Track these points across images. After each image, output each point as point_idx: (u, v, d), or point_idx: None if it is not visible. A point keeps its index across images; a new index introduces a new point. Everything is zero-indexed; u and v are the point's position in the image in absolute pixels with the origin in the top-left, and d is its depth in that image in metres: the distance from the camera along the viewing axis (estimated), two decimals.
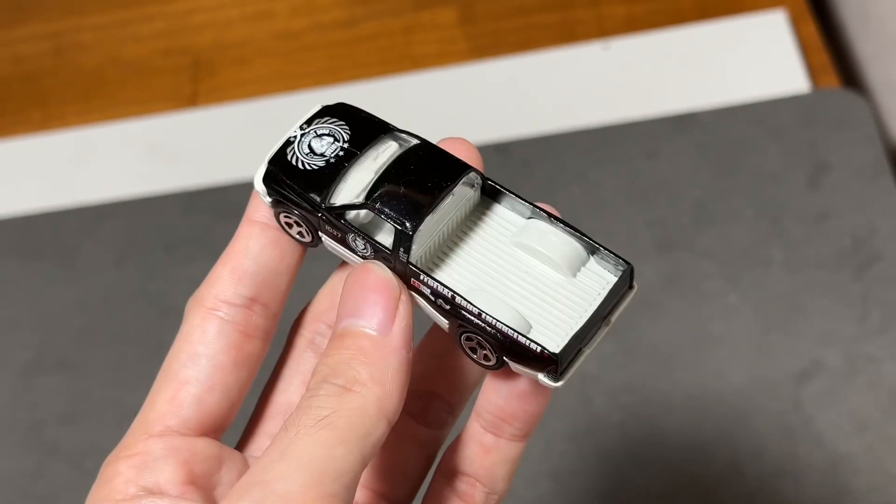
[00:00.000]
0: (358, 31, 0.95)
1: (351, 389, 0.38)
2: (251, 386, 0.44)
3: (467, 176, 0.42)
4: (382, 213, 0.40)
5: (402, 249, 0.40)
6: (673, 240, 0.79)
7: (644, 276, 0.77)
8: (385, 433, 0.38)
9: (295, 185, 0.42)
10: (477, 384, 0.46)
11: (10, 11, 1.00)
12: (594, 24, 0.92)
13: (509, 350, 0.40)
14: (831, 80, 0.86)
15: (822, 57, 0.87)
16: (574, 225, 0.43)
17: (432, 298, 0.41)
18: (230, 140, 0.89)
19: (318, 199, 0.41)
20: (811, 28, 0.89)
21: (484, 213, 0.43)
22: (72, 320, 0.81)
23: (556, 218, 0.42)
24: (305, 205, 0.41)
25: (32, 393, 0.79)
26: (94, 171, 0.89)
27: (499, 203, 0.44)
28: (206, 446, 0.42)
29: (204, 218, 0.84)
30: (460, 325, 0.40)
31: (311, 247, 0.43)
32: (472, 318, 0.40)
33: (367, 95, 0.90)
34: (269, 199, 0.42)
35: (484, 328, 0.40)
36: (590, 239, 0.42)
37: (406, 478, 0.45)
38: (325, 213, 0.41)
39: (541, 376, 0.40)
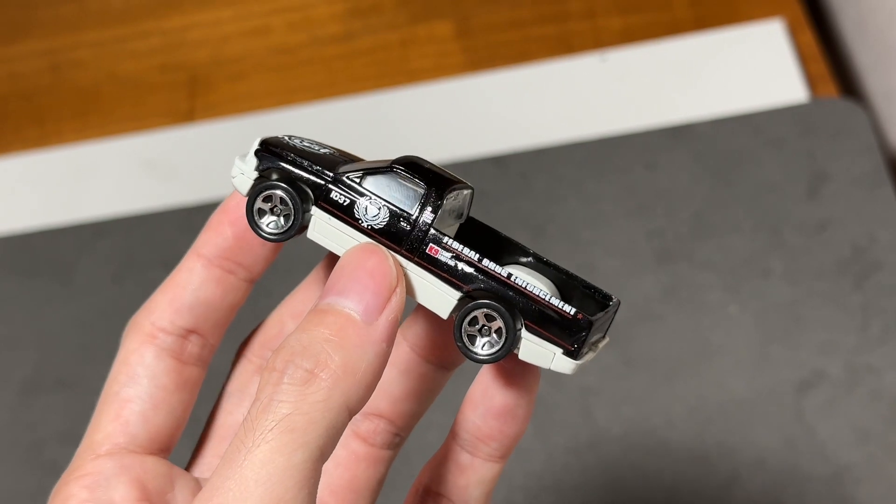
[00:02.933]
0: (354, 46, 0.95)
1: (317, 375, 0.35)
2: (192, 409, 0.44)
3: (469, 192, 0.41)
4: (410, 175, 0.39)
5: (429, 209, 0.39)
6: (672, 251, 0.79)
7: (644, 287, 0.77)
8: (346, 424, 0.36)
9: (298, 156, 0.40)
10: (423, 414, 0.45)
11: (6, 29, 1.00)
12: (590, 35, 0.92)
13: (534, 316, 0.38)
14: (829, 89, 0.86)
15: (820, 66, 0.87)
16: (558, 264, 0.42)
17: (451, 264, 0.39)
18: (228, 156, 0.88)
19: (329, 169, 0.40)
20: (809, 37, 0.89)
21: None
22: (70, 338, 0.81)
23: (538, 257, 0.42)
24: (311, 171, 0.40)
25: (31, 412, 0.78)
26: (91, 188, 0.89)
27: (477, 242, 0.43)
28: (156, 464, 0.42)
29: None
30: (476, 295, 0.39)
31: (282, 240, 0.41)
32: (499, 281, 0.38)
33: (364, 109, 0.90)
34: (254, 176, 0.40)
35: (508, 293, 0.38)
36: (576, 276, 0.42)
37: (358, 495, 0.45)
38: (338, 179, 0.40)
39: (558, 355, 0.38)
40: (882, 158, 0.80)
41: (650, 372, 0.74)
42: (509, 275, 0.39)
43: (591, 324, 0.38)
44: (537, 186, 0.83)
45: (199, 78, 0.95)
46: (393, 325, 0.38)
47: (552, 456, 0.72)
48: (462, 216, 0.42)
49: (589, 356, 0.40)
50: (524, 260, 0.42)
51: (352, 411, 0.36)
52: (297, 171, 0.40)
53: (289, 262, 0.59)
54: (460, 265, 0.39)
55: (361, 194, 0.39)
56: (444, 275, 0.39)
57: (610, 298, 0.41)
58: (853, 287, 0.76)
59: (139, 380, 0.42)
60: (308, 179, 0.40)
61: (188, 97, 0.94)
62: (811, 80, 0.86)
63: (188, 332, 0.43)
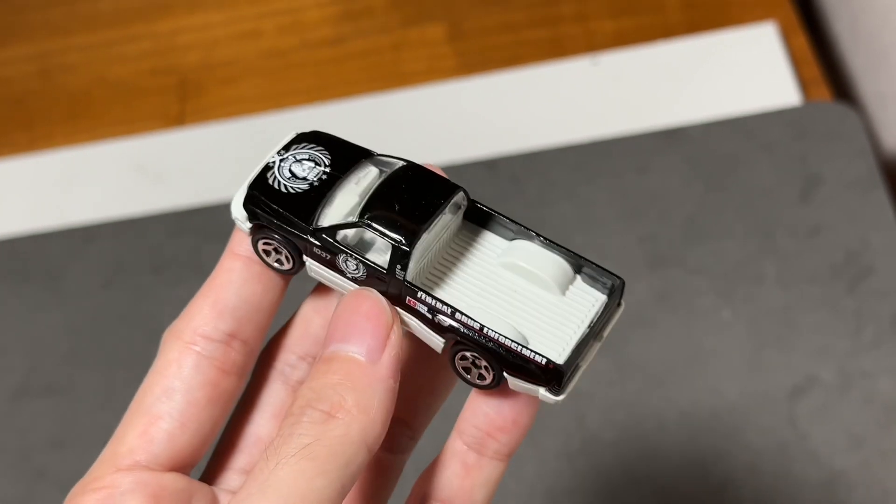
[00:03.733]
0: (346, 49, 0.95)
1: (334, 416, 0.37)
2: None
3: (458, 196, 0.41)
4: (377, 230, 0.40)
5: (398, 267, 0.40)
6: (665, 256, 0.78)
7: (636, 292, 0.77)
8: (366, 462, 0.38)
9: (279, 208, 0.41)
10: (438, 409, 0.46)
11: None
12: (583, 39, 0.92)
13: (511, 365, 0.39)
14: (822, 92, 0.86)
15: (813, 70, 0.87)
16: (559, 242, 0.42)
17: (429, 317, 0.40)
18: (218, 160, 0.89)
19: (306, 222, 0.41)
20: (802, 41, 0.89)
21: (468, 236, 0.43)
22: (60, 344, 0.81)
23: (541, 236, 0.42)
24: (291, 228, 0.41)
25: (21, 418, 0.78)
26: (80, 193, 0.89)
27: (482, 224, 0.43)
28: (174, 481, 0.41)
29: (192, 239, 0.84)
30: (458, 343, 0.40)
31: (291, 274, 0.43)
32: (474, 333, 0.39)
33: (356, 112, 0.90)
34: (249, 225, 0.42)
35: (485, 343, 0.39)
36: (577, 255, 0.42)
37: (368, 502, 0.45)
38: (315, 235, 0.41)
39: (542, 391, 0.39)
40: (875, 162, 0.80)
41: (643, 377, 0.74)
42: (482, 327, 0.39)
43: (561, 373, 0.39)
44: (529, 190, 0.82)
45: (190, 81, 0.95)
46: (396, 361, 0.39)
47: (544, 461, 0.72)
48: (460, 208, 0.42)
49: (596, 347, 0.41)
50: (538, 241, 0.43)
51: (370, 449, 0.38)
52: (280, 226, 0.41)
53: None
54: (438, 317, 0.40)
55: (339, 251, 0.41)
56: (426, 324, 0.41)
57: (616, 279, 0.41)
58: (846, 291, 0.75)
59: (173, 394, 0.42)
60: (291, 236, 0.41)
61: (179, 101, 0.94)
62: (804, 84, 0.86)
63: (230, 338, 0.43)
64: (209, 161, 0.89)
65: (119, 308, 0.82)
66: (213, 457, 0.45)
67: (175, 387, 0.42)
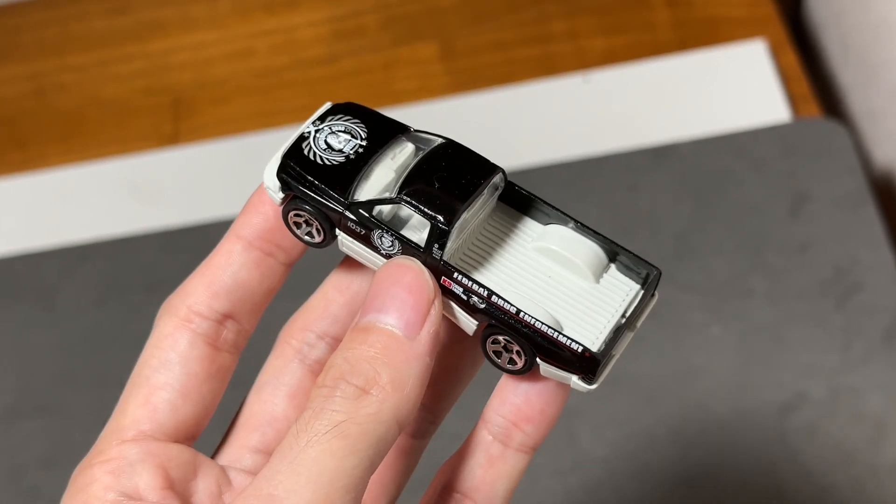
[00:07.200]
0: (338, 68, 0.95)
1: (368, 392, 0.37)
2: (221, 397, 0.43)
3: (497, 176, 0.41)
4: (416, 207, 0.39)
5: (436, 245, 0.39)
6: None
7: None
8: (395, 438, 0.37)
9: (315, 179, 0.40)
10: (460, 395, 0.45)
11: None
12: (574, 57, 0.92)
13: (545, 351, 0.39)
14: (812, 109, 0.86)
15: (803, 86, 0.87)
16: (596, 229, 0.42)
17: (464, 298, 0.39)
18: (211, 178, 0.89)
19: (342, 195, 0.40)
20: (791, 58, 0.89)
21: (502, 218, 0.43)
22: (52, 363, 0.81)
23: (577, 221, 0.42)
24: (326, 200, 0.40)
25: (12, 438, 0.78)
26: (74, 212, 0.89)
27: (517, 207, 0.43)
28: (181, 452, 0.41)
29: (185, 257, 0.84)
30: (491, 326, 0.39)
31: (321, 247, 0.42)
32: (509, 317, 0.39)
33: None
34: (281, 195, 0.41)
35: (520, 328, 0.39)
36: (613, 242, 0.42)
37: (385, 488, 0.45)
38: (351, 209, 0.40)
39: (574, 379, 0.39)
40: (864, 178, 0.80)
41: (633, 393, 0.74)
42: (518, 311, 0.39)
43: (597, 362, 0.39)
44: None
45: (183, 101, 0.95)
46: (434, 338, 0.38)
47: (535, 478, 0.72)
48: (497, 189, 0.42)
49: (629, 337, 0.41)
50: (570, 225, 0.42)
51: (401, 426, 0.37)
52: (314, 198, 0.40)
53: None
54: (473, 299, 0.39)
55: (374, 226, 0.40)
56: (460, 305, 0.40)
57: (652, 269, 0.41)
58: (835, 308, 0.76)
59: (171, 366, 0.41)
60: (325, 208, 0.40)
61: (172, 120, 0.94)
62: (794, 101, 0.86)
63: (224, 318, 0.42)
64: (202, 180, 0.89)
65: (112, 327, 0.82)
66: (225, 435, 0.45)
67: (172, 359, 0.41)
